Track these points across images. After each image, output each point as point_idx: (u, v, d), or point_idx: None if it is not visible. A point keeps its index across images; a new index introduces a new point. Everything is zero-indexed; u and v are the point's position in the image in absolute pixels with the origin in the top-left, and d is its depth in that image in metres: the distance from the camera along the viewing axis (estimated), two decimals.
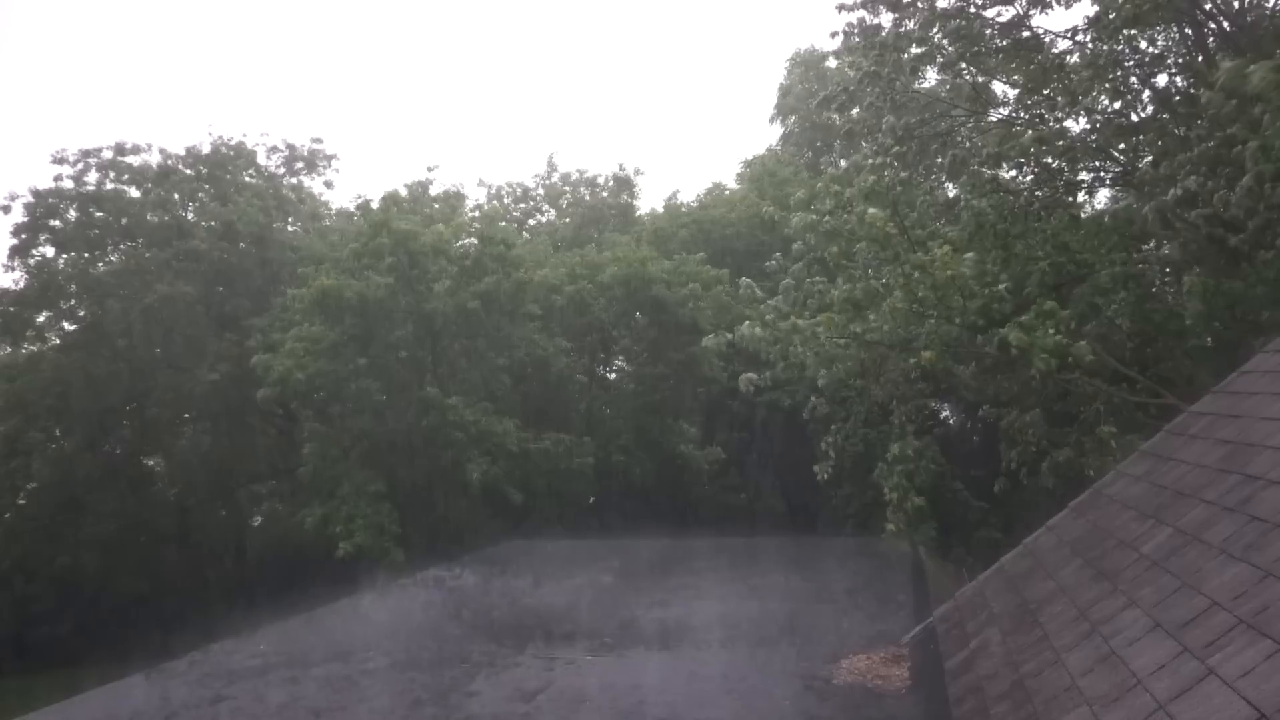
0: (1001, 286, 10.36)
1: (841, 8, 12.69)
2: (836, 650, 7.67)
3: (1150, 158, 10.74)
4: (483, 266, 21.71)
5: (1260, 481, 4.56)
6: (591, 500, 23.81)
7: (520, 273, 21.92)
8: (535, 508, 21.41)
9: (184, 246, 25.18)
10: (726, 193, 30.86)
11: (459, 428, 19.64)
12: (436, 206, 31.46)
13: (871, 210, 10.55)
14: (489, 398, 21.36)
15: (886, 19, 12.35)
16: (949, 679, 5.65)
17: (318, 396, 21.13)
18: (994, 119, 12.78)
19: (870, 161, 11.74)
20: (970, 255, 10.60)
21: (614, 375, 26.44)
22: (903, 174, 11.77)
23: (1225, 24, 11.69)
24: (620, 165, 34.57)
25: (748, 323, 10.99)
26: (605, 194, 34.18)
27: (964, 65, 12.14)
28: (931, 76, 13.68)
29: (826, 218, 11.10)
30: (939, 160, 12.72)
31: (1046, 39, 11.74)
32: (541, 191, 35.22)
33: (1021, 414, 11.21)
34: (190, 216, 27.04)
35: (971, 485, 16.63)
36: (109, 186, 26.45)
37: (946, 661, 6.01)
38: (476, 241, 22.42)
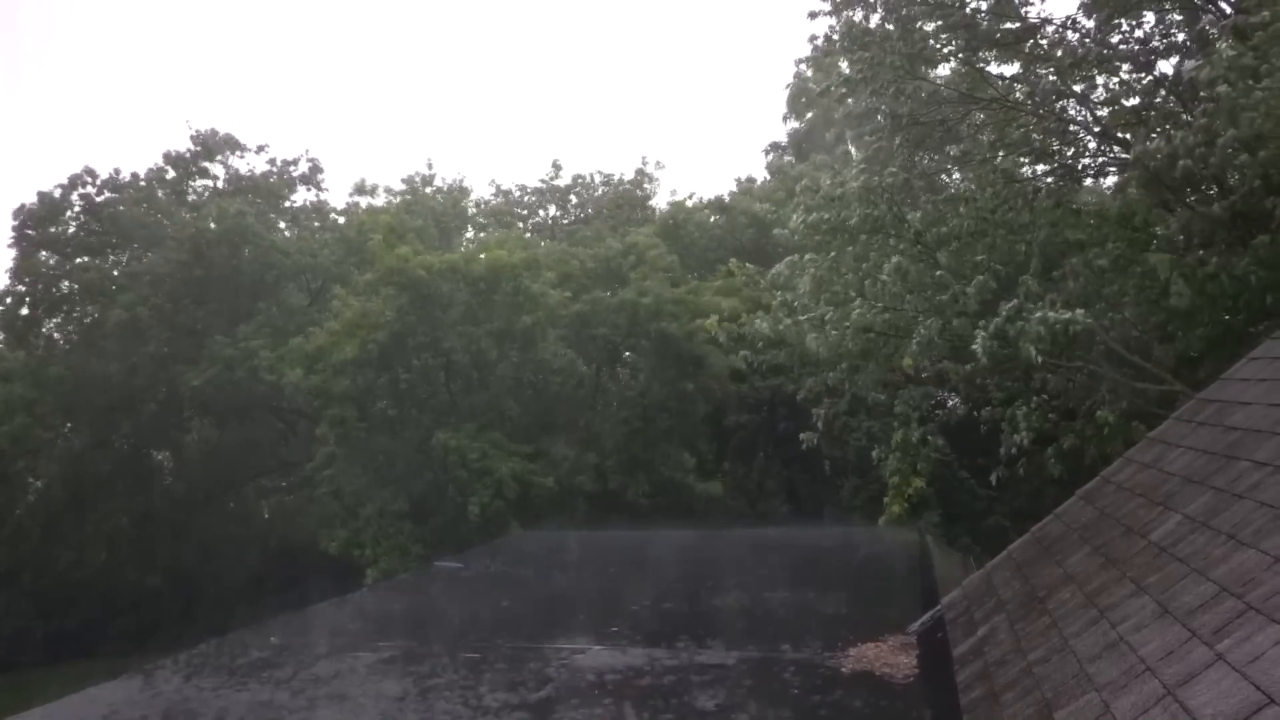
0: (981, 278, 10.27)
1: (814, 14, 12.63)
2: (844, 639, 7.67)
3: (1153, 141, 10.64)
4: (495, 300, 21.36)
5: (1269, 468, 4.55)
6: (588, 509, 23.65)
7: (538, 314, 21.39)
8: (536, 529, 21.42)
9: (161, 254, 25.40)
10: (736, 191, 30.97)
11: (463, 466, 19.84)
12: (440, 199, 31.50)
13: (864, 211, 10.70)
14: (498, 419, 21.47)
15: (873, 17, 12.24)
16: (957, 667, 5.66)
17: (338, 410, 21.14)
18: (993, 106, 12.66)
19: (868, 149, 11.74)
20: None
21: (614, 387, 26.16)
22: (893, 168, 11.67)
23: (1225, 6, 11.55)
24: (644, 160, 34.68)
25: (760, 317, 11.18)
26: (609, 187, 34.25)
27: (958, 55, 12.06)
28: (939, 72, 13.58)
29: (824, 215, 11.24)
30: (947, 150, 12.63)
31: (1046, 20, 11.62)
32: (547, 193, 35.35)
33: (1024, 404, 11.19)
34: (187, 216, 27.23)
35: (978, 473, 16.64)
36: (102, 196, 26.98)
37: (955, 649, 6.02)
38: (487, 267, 21.27)
